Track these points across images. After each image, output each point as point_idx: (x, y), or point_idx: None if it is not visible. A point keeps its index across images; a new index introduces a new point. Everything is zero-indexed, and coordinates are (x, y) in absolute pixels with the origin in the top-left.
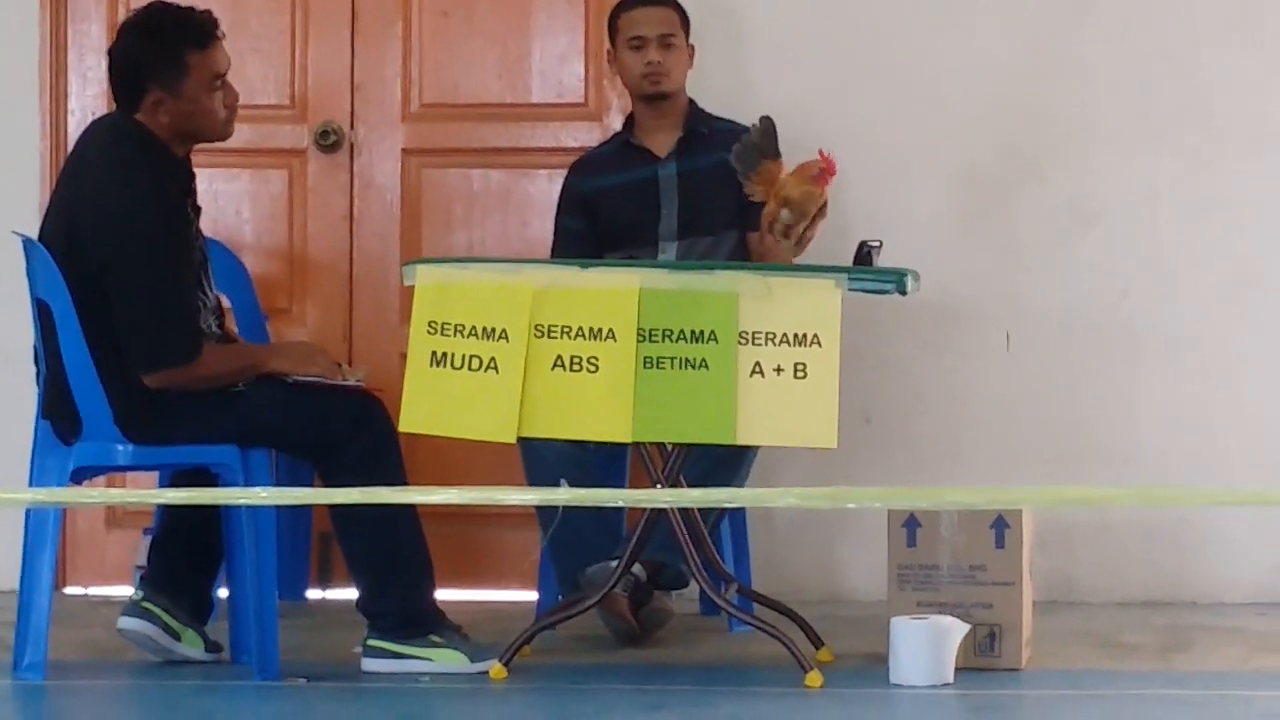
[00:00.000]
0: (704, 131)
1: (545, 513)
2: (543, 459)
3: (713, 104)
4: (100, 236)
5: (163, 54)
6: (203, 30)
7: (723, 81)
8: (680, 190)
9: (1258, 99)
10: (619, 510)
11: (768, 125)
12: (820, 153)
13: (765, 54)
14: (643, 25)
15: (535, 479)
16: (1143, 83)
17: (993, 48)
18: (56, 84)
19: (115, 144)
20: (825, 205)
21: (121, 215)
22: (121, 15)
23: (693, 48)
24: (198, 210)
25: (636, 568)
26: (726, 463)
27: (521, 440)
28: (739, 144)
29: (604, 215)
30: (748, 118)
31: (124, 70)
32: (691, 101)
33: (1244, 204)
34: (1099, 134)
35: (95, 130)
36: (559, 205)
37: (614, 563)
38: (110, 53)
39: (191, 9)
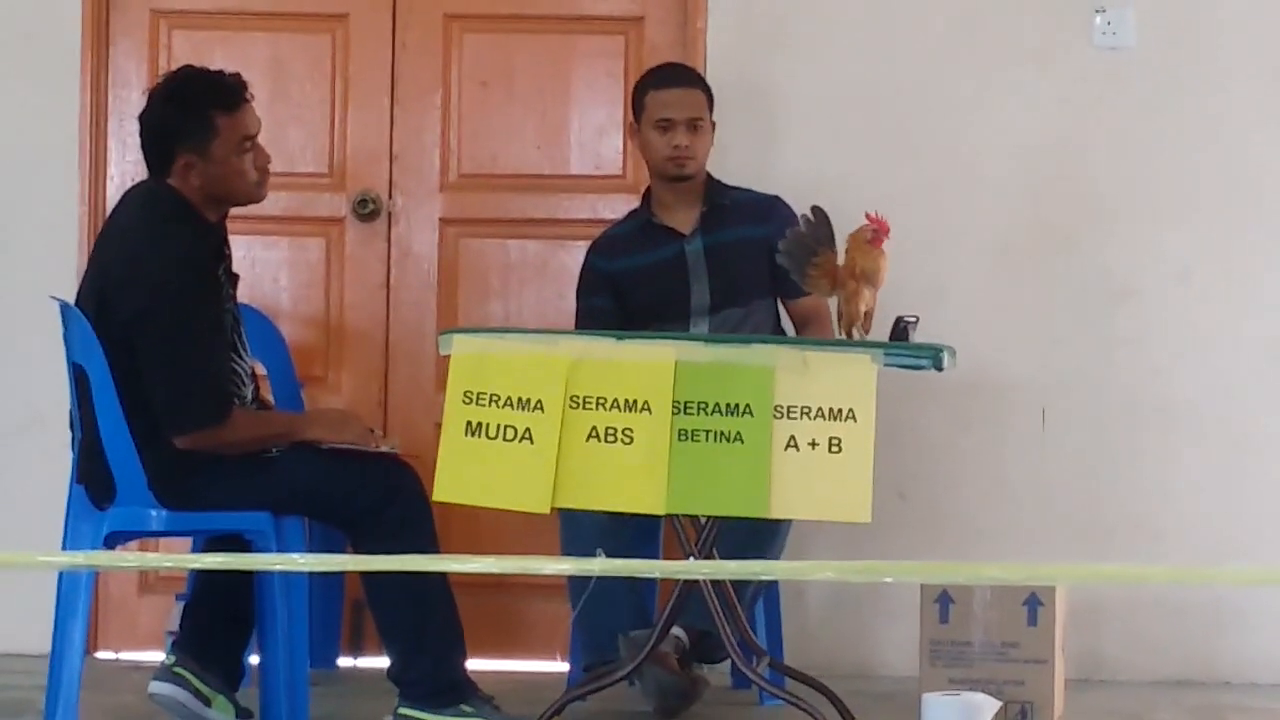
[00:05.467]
0: (725, 204)
1: (577, 583)
2: (581, 528)
3: (742, 181)
4: (128, 297)
5: (190, 118)
6: (230, 92)
7: (752, 158)
8: (709, 265)
9: None
10: (650, 585)
11: (821, 216)
12: (868, 216)
13: (796, 130)
14: (671, 107)
15: (571, 548)
16: (1176, 157)
17: (1025, 123)
18: (96, 149)
19: (147, 207)
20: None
21: (149, 275)
22: None
23: (714, 123)
24: (234, 277)
25: (681, 632)
26: (760, 539)
27: (561, 509)
28: (786, 239)
29: (632, 295)
30: (780, 194)
31: (153, 136)
32: (709, 174)
33: (1277, 279)
34: (1133, 209)
35: (130, 195)
36: (582, 285)
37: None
38: (140, 119)
39: (220, 72)
